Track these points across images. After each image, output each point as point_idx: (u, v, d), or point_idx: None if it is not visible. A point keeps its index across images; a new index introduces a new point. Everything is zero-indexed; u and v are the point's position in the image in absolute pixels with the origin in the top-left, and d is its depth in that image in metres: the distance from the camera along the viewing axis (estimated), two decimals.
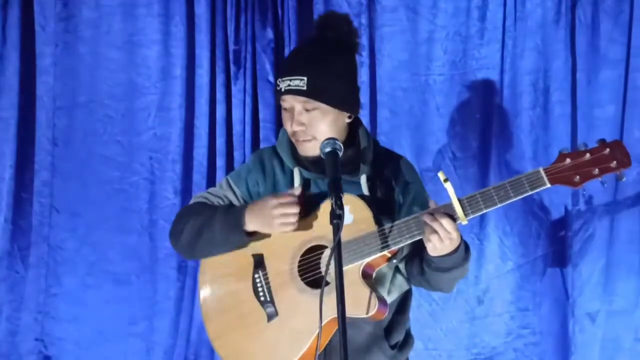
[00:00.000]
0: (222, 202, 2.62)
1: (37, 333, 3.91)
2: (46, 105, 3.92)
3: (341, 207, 2.24)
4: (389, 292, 2.57)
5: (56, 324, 3.90)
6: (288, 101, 2.52)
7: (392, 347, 2.58)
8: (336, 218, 2.23)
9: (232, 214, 2.51)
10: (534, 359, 3.74)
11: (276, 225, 2.46)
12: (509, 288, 3.76)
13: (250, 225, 2.49)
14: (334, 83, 2.53)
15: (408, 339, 2.66)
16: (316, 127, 2.51)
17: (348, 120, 2.58)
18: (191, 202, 2.70)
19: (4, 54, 3.92)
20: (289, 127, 2.54)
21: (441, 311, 3.78)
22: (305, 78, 2.49)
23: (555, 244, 3.75)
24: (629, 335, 3.67)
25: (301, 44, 2.71)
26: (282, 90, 2.51)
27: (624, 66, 3.67)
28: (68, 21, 3.92)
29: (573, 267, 3.70)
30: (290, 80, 2.50)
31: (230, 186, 2.64)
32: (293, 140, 2.56)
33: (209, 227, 2.53)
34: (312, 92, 2.49)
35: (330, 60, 2.55)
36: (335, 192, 2.27)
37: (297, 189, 2.50)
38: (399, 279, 2.61)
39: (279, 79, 2.53)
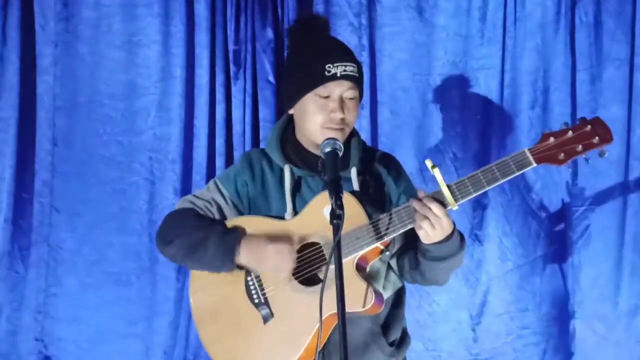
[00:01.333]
0: (209, 206, 2.61)
1: (37, 333, 3.90)
2: (46, 105, 3.92)
3: (341, 207, 2.23)
4: (383, 288, 2.57)
5: (56, 324, 3.90)
6: (337, 87, 2.50)
7: (390, 345, 2.58)
8: (336, 218, 2.22)
9: (227, 242, 2.49)
10: (533, 359, 3.73)
11: (267, 270, 2.45)
12: (508, 288, 3.75)
13: (242, 258, 2.48)
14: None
15: (405, 337, 2.66)
16: (351, 116, 2.53)
17: None
18: (177, 206, 2.68)
19: (4, 54, 3.92)
20: (328, 114, 2.49)
21: (441, 312, 3.77)
22: (356, 66, 2.52)
23: (554, 244, 3.75)
24: (632, 337, 3.66)
25: (323, 34, 2.64)
26: (338, 75, 2.48)
27: (628, 66, 3.67)
28: (68, 21, 3.92)
29: (576, 269, 3.69)
30: (345, 65, 2.49)
31: (218, 188, 2.63)
32: (320, 129, 2.50)
33: (202, 248, 2.51)
34: (360, 80, 2.53)
35: None
36: (336, 192, 2.27)
37: (295, 245, 2.46)
38: (393, 276, 2.61)
39: (329, 65, 2.48)
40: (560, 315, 3.72)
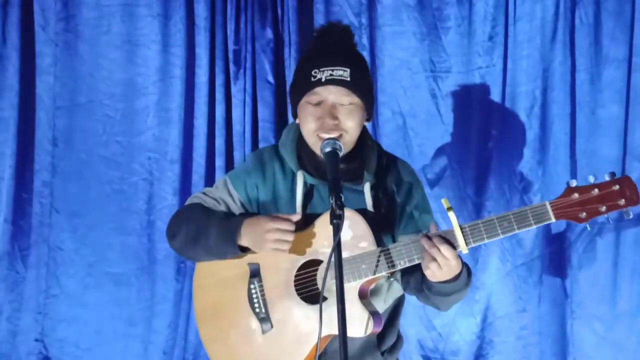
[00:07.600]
0: (217, 205, 2.57)
1: (37, 334, 3.90)
2: (46, 105, 3.92)
3: (341, 207, 2.22)
4: (385, 301, 2.55)
5: (56, 325, 3.90)
6: (326, 92, 2.42)
7: (382, 354, 2.57)
8: (336, 218, 2.21)
9: (228, 226, 2.45)
10: (533, 359, 3.73)
11: (267, 249, 2.40)
12: (508, 289, 3.75)
13: (244, 240, 2.44)
14: (368, 80, 2.49)
15: (398, 340, 2.64)
16: (349, 122, 2.43)
17: (365, 123, 2.52)
18: (187, 202, 2.66)
19: (4, 54, 3.92)
20: (317, 121, 2.42)
21: (442, 313, 3.77)
22: (348, 69, 2.41)
23: (553, 244, 3.74)
24: (633, 337, 3.66)
25: (325, 36, 2.52)
26: (323, 80, 2.40)
27: (627, 66, 3.67)
28: (68, 21, 3.92)
29: (575, 269, 3.69)
30: (332, 70, 2.40)
31: (227, 189, 2.58)
32: (315, 137, 2.45)
33: (204, 235, 2.48)
34: (354, 85, 2.42)
35: (362, 55, 2.52)
36: (335, 192, 2.25)
37: (296, 215, 2.43)
38: (395, 285, 2.58)
39: (315, 70, 2.41)
40: (559, 315, 3.72)
